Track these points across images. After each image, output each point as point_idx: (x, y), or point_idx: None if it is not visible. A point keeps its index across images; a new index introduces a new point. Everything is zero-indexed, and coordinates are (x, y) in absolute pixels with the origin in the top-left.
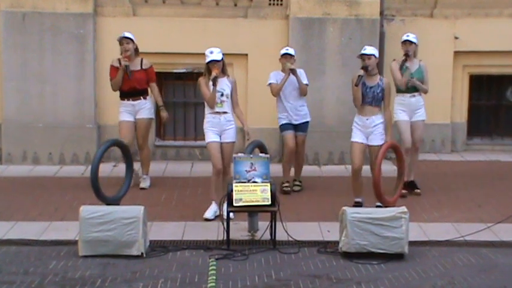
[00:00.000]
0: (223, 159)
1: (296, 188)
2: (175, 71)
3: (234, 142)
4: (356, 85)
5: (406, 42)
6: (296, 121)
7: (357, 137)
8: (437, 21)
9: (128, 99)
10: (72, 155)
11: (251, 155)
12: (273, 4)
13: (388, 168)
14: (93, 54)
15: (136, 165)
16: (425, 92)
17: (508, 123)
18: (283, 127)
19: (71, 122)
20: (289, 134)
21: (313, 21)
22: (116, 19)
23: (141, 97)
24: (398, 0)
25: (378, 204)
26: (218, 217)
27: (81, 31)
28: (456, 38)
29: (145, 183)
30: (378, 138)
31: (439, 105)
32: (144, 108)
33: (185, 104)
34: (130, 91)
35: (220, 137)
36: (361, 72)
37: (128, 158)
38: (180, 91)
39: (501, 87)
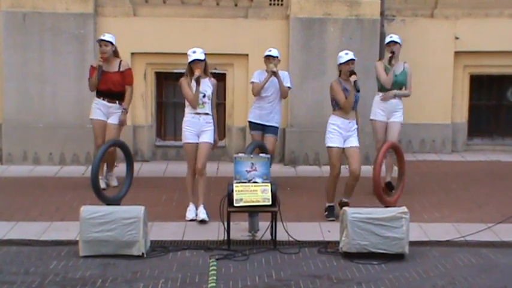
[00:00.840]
0: (198, 159)
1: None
2: (175, 71)
3: (211, 143)
4: (358, 91)
5: (391, 43)
6: (267, 122)
7: (336, 141)
8: (437, 21)
9: (104, 99)
10: (72, 155)
11: (251, 155)
12: (274, 4)
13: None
14: (94, 55)
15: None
16: (407, 96)
17: (508, 124)
18: (252, 126)
19: (72, 122)
20: (257, 135)
21: (313, 22)
22: (116, 19)
23: (117, 101)
24: (399, 1)
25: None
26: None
27: (82, 31)
28: (457, 38)
29: (114, 182)
30: (356, 140)
31: (439, 105)
32: (117, 113)
33: (185, 104)
34: (106, 92)
35: (198, 137)
36: (355, 77)
37: (128, 158)
38: (181, 91)
39: (501, 88)
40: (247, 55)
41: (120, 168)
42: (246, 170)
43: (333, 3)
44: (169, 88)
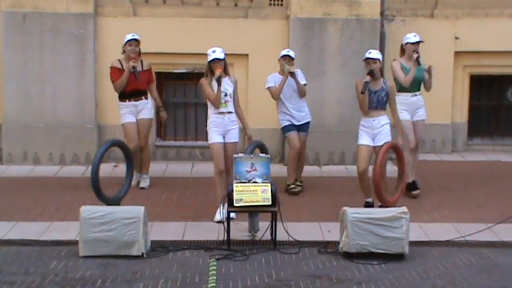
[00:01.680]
0: (226, 160)
1: (297, 189)
2: (175, 71)
3: (237, 142)
4: (362, 92)
5: (416, 43)
6: (298, 122)
7: (364, 140)
8: (437, 21)
9: (130, 100)
10: (72, 155)
11: (251, 155)
12: (274, 4)
13: (389, 169)
14: (94, 55)
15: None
16: (430, 87)
17: (508, 124)
18: (287, 128)
19: (72, 122)
20: (294, 134)
21: (313, 22)
22: (116, 19)
23: (143, 97)
24: (399, 1)
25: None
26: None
27: (82, 31)
28: (457, 38)
29: (145, 183)
30: (384, 138)
31: (439, 105)
32: (146, 108)
33: (186, 104)
34: (133, 92)
35: (223, 137)
36: (368, 78)
37: (128, 158)
38: (181, 91)
39: (501, 88)
40: (247, 55)
41: (120, 168)
42: (246, 170)
43: (333, 3)
44: (169, 88)
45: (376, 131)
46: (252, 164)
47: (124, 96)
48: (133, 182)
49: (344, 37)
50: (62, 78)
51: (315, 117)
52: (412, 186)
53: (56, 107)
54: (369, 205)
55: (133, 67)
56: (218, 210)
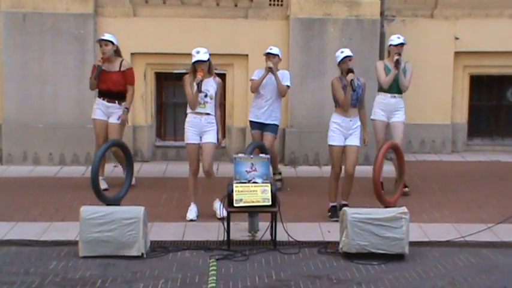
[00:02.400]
0: (204, 160)
1: (277, 177)
2: (175, 71)
3: (214, 143)
4: (354, 90)
5: (399, 45)
6: (265, 120)
7: (337, 140)
8: (437, 21)
9: (104, 99)
10: (72, 156)
11: (251, 156)
12: (274, 5)
13: (388, 169)
14: (94, 55)
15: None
16: (405, 87)
17: (508, 124)
18: (251, 125)
19: (72, 122)
20: (257, 134)
21: (313, 22)
22: (116, 19)
23: (116, 101)
24: (399, 1)
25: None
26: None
27: (82, 31)
28: (456, 38)
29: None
30: (357, 139)
31: (439, 105)
32: (117, 113)
33: (185, 105)
34: (105, 91)
35: (200, 137)
36: (352, 75)
37: (128, 158)
38: (181, 91)
39: (501, 88)
40: (247, 55)
41: (120, 169)
42: (246, 171)
43: (333, 3)
44: (169, 88)
45: (350, 132)
46: (252, 164)
47: (99, 93)
48: (105, 184)
49: (344, 37)
50: (62, 78)
51: (314, 118)
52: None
53: (56, 107)
54: (335, 209)
55: (98, 66)
56: (190, 209)
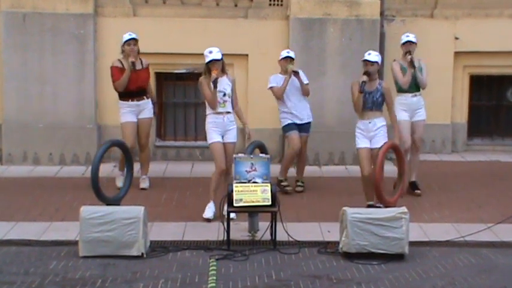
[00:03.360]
0: (226, 161)
1: (299, 189)
2: (175, 71)
3: (235, 143)
4: (361, 92)
5: (407, 43)
6: (300, 121)
7: (362, 142)
8: (437, 21)
9: (133, 100)
10: (72, 156)
11: (251, 156)
12: (273, 4)
13: (389, 169)
14: (94, 55)
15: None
16: (424, 84)
17: (508, 124)
18: (288, 127)
19: (72, 122)
20: (295, 134)
21: (313, 22)
22: (116, 19)
23: (145, 96)
24: (399, 1)
25: (378, 205)
26: (220, 218)
27: (82, 31)
28: (456, 38)
29: (145, 184)
30: (381, 141)
31: (439, 105)
32: (148, 107)
33: (185, 105)
34: (137, 90)
35: (222, 137)
36: (364, 78)
37: (128, 158)
38: (181, 91)
39: (501, 88)
40: (247, 55)
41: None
42: (246, 170)
43: (333, 3)
44: (169, 88)
45: (372, 134)
46: (252, 164)
47: (126, 95)
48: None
49: (344, 37)
50: (62, 78)
51: (315, 118)
52: (412, 186)
53: (56, 107)
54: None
55: (133, 63)
56: (208, 207)
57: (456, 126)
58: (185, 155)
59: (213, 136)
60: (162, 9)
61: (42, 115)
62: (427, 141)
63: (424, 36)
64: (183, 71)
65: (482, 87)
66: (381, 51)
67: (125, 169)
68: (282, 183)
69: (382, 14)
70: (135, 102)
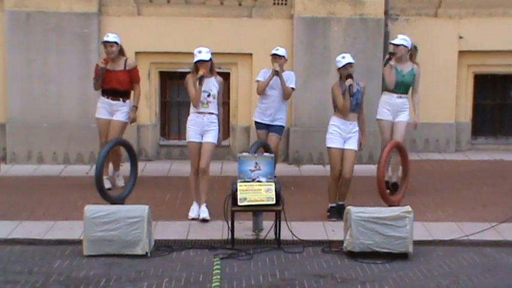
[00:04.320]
0: (201, 158)
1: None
2: (179, 70)
3: (214, 143)
4: (351, 95)
5: (391, 44)
6: (270, 122)
7: (336, 142)
8: (441, 20)
9: (108, 97)
10: (76, 155)
11: (255, 155)
12: (278, 4)
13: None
14: (98, 54)
15: None
16: (418, 98)
17: None
18: (256, 125)
19: (76, 121)
20: (262, 134)
21: (317, 21)
22: (120, 18)
23: (121, 99)
24: (403, 0)
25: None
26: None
27: (86, 31)
28: (461, 37)
29: (120, 181)
30: (355, 143)
31: (443, 104)
32: (121, 110)
33: (189, 104)
34: (110, 90)
35: (201, 136)
36: (351, 81)
37: (132, 157)
38: (185, 90)
39: (506, 87)
40: (251, 54)
41: (125, 168)
42: (250, 169)
43: (337, 2)
44: (173, 87)
45: (349, 135)
46: (256, 163)
47: (103, 92)
48: (108, 184)
49: (348, 36)
50: (66, 77)
51: (318, 117)
52: (394, 187)
53: (60, 107)
54: (334, 210)
55: (101, 68)
56: (191, 208)
57: (460, 125)
58: (189, 153)
59: (190, 135)
60: (166, 8)
61: (47, 114)
62: (431, 140)
63: (428, 36)
64: (187, 70)
65: (486, 86)
66: (385, 51)
67: (129, 168)
68: None
69: (386, 13)
70: (108, 100)
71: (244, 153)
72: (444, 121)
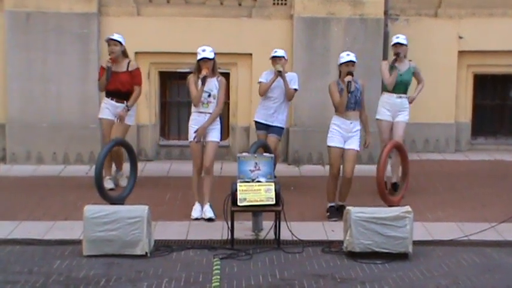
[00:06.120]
0: (205, 157)
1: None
2: (179, 70)
3: (217, 142)
4: (348, 92)
5: (397, 44)
6: (270, 123)
7: (337, 141)
8: (441, 20)
9: (112, 99)
10: (76, 155)
11: (255, 155)
12: (277, 4)
13: (390, 169)
14: (97, 54)
15: None
16: (423, 85)
17: None
18: (256, 125)
19: (75, 121)
20: (262, 134)
21: (317, 21)
22: (120, 19)
23: (124, 101)
24: (403, 0)
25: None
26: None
27: (85, 31)
28: (460, 37)
29: (123, 181)
30: (356, 143)
31: (443, 104)
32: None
33: (189, 104)
34: (114, 92)
35: (203, 136)
36: (350, 78)
37: (132, 157)
38: (184, 91)
39: (505, 87)
40: (251, 54)
41: (124, 168)
42: (250, 170)
43: (337, 2)
44: (173, 87)
45: (350, 134)
46: (256, 163)
47: (107, 93)
48: (111, 184)
49: (348, 36)
50: (65, 78)
51: (318, 118)
52: (394, 187)
53: (59, 107)
54: (333, 209)
55: (107, 67)
56: (194, 208)
57: (460, 125)
58: (189, 154)
59: (192, 134)
60: (166, 8)
61: (46, 114)
62: (430, 141)
63: (428, 36)
64: (187, 70)
65: (486, 86)
66: (385, 51)
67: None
68: None
69: (386, 13)
70: (112, 102)
71: (244, 154)
72: (444, 121)
